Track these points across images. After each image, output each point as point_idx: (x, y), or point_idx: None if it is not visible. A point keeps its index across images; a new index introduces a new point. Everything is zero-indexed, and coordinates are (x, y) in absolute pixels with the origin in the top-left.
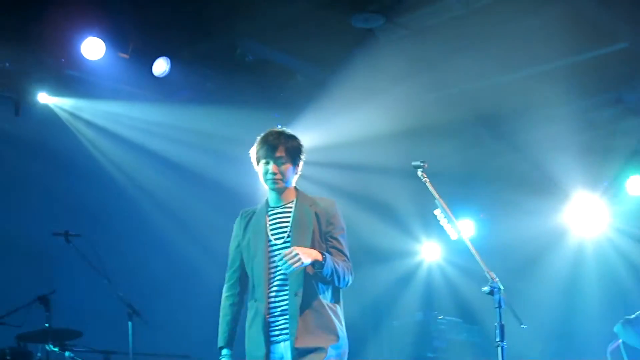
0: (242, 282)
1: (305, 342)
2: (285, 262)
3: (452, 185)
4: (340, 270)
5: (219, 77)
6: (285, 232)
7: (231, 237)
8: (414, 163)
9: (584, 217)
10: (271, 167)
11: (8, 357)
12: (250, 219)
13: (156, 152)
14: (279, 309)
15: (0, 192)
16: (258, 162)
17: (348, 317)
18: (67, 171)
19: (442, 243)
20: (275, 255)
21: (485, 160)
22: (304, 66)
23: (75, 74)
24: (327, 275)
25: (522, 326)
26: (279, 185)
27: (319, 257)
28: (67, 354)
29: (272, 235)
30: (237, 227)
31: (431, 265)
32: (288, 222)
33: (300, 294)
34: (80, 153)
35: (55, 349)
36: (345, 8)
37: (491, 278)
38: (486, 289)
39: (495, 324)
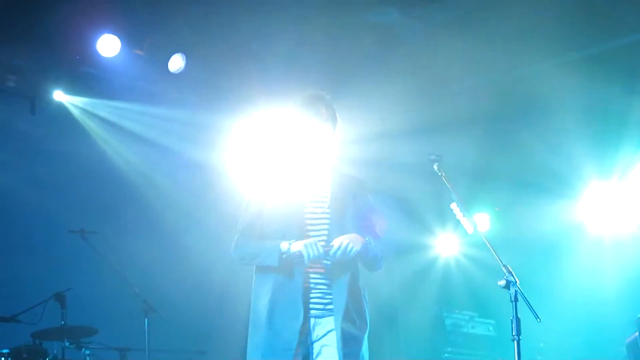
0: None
1: (348, 325)
2: (336, 253)
3: (468, 178)
4: (379, 253)
5: (234, 73)
6: (325, 202)
7: (245, 203)
8: (429, 156)
9: (600, 209)
10: (322, 123)
11: (24, 355)
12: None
13: (171, 150)
14: (320, 283)
15: (16, 190)
16: (304, 124)
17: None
18: (82, 169)
19: (458, 237)
20: (312, 225)
21: (500, 153)
22: (319, 61)
23: (91, 71)
24: (369, 258)
25: (537, 320)
26: (326, 147)
27: (363, 240)
28: (83, 350)
29: (311, 202)
30: (258, 185)
31: (447, 259)
32: (327, 191)
33: (343, 272)
34: (95, 151)
35: (72, 347)
36: (361, 3)
37: (507, 272)
38: (502, 282)
39: (511, 317)
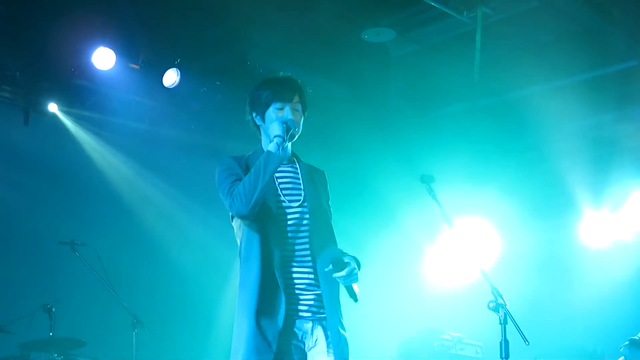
0: None
1: (341, 330)
2: (344, 277)
3: (460, 198)
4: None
5: (229, 88)
6: (300, 195)
7: (218, 172)
8: (421, 177)
9: (594, 231)
10: (289, 112)
11: None
12: (247, 167)
13: (164, 164)
14: (303, 282)
15: (7, 200)
16: (266, 106)
17: (351, 329)
18: (74, 181)
19: (448, 257)
20: (291, 220)
21: (495, 175)
22: (314, 79)
23: (85, 84)
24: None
25: (526, 343)
26: (293, 139)
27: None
28: None
29: (286, 196)
30: (230, 163)
31: (436, 280)
32: (299, 183)
33: (330, 274)
34: (87, 163)
35: (59, 358)
36: (357, 22)
37: (496, 294)
38: (491, 305)
39: (500, 340)
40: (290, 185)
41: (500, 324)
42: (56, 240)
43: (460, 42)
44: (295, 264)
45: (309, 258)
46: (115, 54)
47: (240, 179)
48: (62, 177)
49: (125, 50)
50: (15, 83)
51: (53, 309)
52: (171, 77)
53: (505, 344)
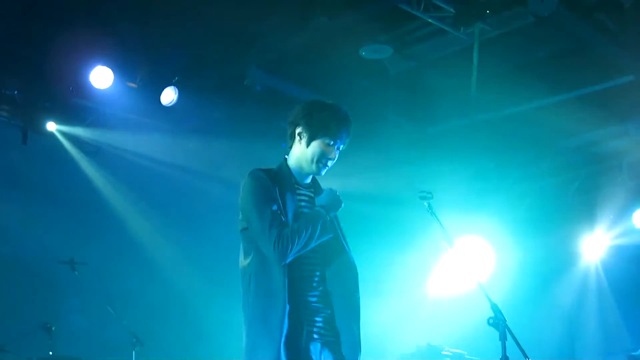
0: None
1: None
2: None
3: (459, 215)
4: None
5: (227, 106)
6: None
7: (255, 192)
8: (419, 194)
9: (589, 247)
10: (334, 153)
11: None
12: (277, 184)
13: (163, 182)
14: (316, 305)
15: (5, 219)
16: (318, 135)
17: None
18: (72, 200)
19: (448, 274)
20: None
21: (491, 192)
22: (312, 96)
23: (84, 103)
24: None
25: (526, 359)
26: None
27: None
28: None
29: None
30: (267, 184)
31: (436, 296)
32: (309, 208)
33: (344, 299)
34: (86, 182)
35: None
36: (354, 39)
37: (496, 310)
38: (491, 321)
39: (500, 357)
40: (306, 209)
41: (500, 339)
42: (56, 259)
43: (457, 59)
44: (309, 288)
45: (319, 281)
46: (113, 72)
47: (280, 213)
48: (60, 196)
49: (123, 68)
50: (13, 102)
51: (53, 328)
52: (169, 96)
53: None
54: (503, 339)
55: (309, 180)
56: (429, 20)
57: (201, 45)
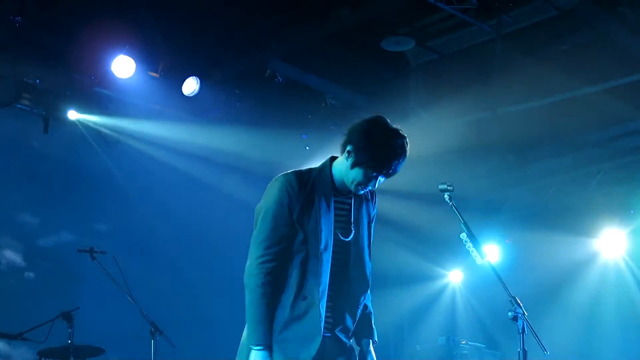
0: (278, 262)
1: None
2: None
3: (479, 209)
4: None
5: (248, 97)
6: (348, 228)
7: (274, 201)
8: (440, 186)
9: (609, 245)
10: (377, 184)
11: None
12: (313, 190)
13: (183, 171)
14: (343, 313)
15: (27, 207)
16: (367, 164)
17: None
18: (93, 188)
19: (467, 268)
20: (337, 252)
21: (512, 185)
22: (333, 88)
23: (105, 92)
24: None
25: (545, 352)
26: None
27: None
28: None
29: (337, 228)
30: (293, 193)
31: (455, 290)
32: (348, 217)
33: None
34: (107, 171)
35: None
36: (376, 31)
37: (515, 304)
38: (510, 314)
39: (518, 349)
40: (341, 217)
41: (519, 333)
42: (75, 247)
43: (479, 51)
44: (335, 296)
45: (330, 283)
46: (135, 62)
47: (285, 239)
48: (81, 185)
49: (145, 58)
50: (35, 91)
51: (72, 317)
52: (191, 86)
53: (523, 354)
54: (522, 332)
55: (346, 189)
56: (452, 12)
57: (223, 36)
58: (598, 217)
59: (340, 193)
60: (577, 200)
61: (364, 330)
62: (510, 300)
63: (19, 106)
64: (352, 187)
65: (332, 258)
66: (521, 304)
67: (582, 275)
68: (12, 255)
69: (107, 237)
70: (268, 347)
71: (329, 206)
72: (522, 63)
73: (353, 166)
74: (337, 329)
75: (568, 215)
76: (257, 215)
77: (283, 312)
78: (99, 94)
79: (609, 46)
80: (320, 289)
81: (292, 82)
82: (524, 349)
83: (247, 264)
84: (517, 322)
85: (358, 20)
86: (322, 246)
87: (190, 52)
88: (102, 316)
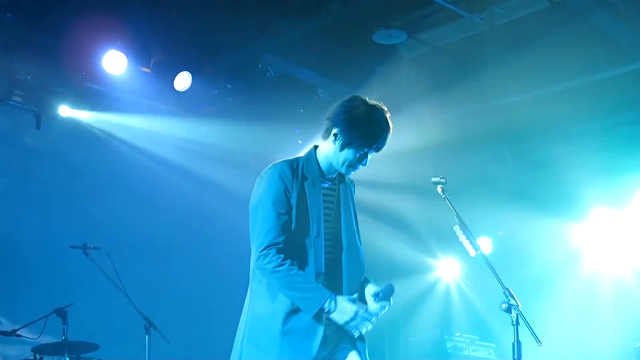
0: (286, 250)
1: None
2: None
3: (471, 201)
4: None
5: (240, 92)
6: (338, 213)
7: (268, 190)
8: (433, 179)
9: (602, 236)
10: (366, 161)
11: None
12: (303, 178)
13: (176, 166)
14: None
15: (19, 203)
16: (356, 143)
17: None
18: (86, 184)
19: (460, 260)
20: (330, 238)
21: (505, 177)
22: (325, 82)
23: (97, 88)
24: None
25: (539, 344)
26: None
27: None
28: None
29: (327, 214)
30: (287, 180)
31: (449, 282)
32: (337, 203)
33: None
34: (99, 167)
35: None
36: (368, 24)
37: (509, 295)
38: (504, 306)
39: (513, 341)
40: (328, 203)
41: (513, 324)
42: (68, 244)
43: (471, 43)
44: (327, 284)
45: (335, 278)
46: (127, 57)
47: (287, 227)
48: (73, 181)
49: (137, 53)
50: (27, 87)
51: (66, 313)
52: (183, 81)
53: (517, 345)
54: (516, 324)
55: (334, 174)
56: (444, 5)
57: (215, 31)
58: (592, 207)
59: (326, 180)
60: (570, 190)
61: None
62: (504, 292)
63: (11, 102)
64: (343, 169)
65: (326, 245)
66: (515, 296)
67: (576, 264)
68: (5, 251)
69: (100, 232)
70: (333, 295)
71: (319, 193)
72: (514, 55)
73: (343, 147)
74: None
75: (562, 205)
76: (256, 208)
77: (285, 303)
78: (90, 90)
79: (601, 37)
80: (317, 276)
81: (284, 76)
82: (518, 340)
83: (256, 257)
84: (510, 313)
85: (349, 13)
86: (315, 233)
87: (182, 47)
88: (96, 312)
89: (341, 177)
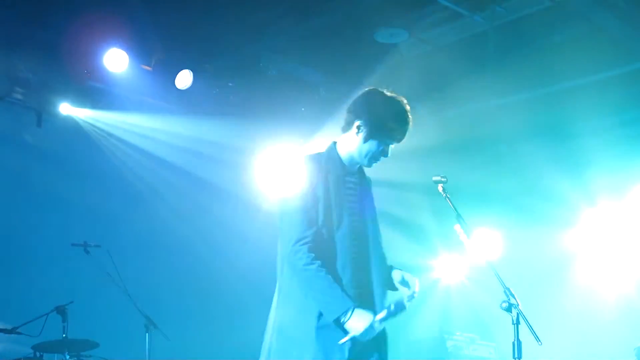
0: (315, 242)
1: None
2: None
3: (472, 200)
4: None
5: (241, 90)
6: (355, 208)
7: (301, 181)
8: (434, 178)
9: (606, 234)
10: (388, 153)
11: None
12: (327, 172)
13: (177, 165)
14: (365, 296)
15: (19, 201)
16: (378, 135)
17: None
18: (87, 182)
19: (460, 259)
20: (356, 231)
21: (506, 177)
22: (327, 80)
23: (98, 86)
24: None
25: (539, 343)
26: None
27: None
28: None
29: (351, 207)
30: (314, 173)
31: (449, 281)
32: (359, 196)
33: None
34: (100, 165)
35: None
36: (369, 23)
37: (509, 294)
38: (504, 305)
39: (513, 340)
40: (350, 195)
41: (513, 324)
42: (69, 241)
43: (473, 43)
44: (355, 277)
45: (363, 273)
46: (128, 55)
47: (315, 220)
48: (74, 179)
49: (138, 51)
50: (28, 85)
51: (66, 311)
52: (184, 79)
53: (518, 344)
54: (516, 323)
55: (356, 167)
56: (445, 4)
57: (216, 29)
58: (593, 206)
59: (349, 172)
60: (571, 190)
61: None
62: (505, 291)
63: (12, 100)
64: (366, 161)
65: (353, 238)
66: (515, 295)
67: (577, 265)
68: (6, 249)
69: (101, 230)
70: (354, 305)
71: (342, 185)
72: (515, 54)
73: (367, 139)
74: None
75: (562, 205)
76: (284, 203)
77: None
78: (92, 88)
79: (602, 37)
80: (343, 269)
81: (285, 75)
82: (518, 339)
83: (288, 251)
84: (511, 312)
85: (351, 12)
86: (341, 226)
87: (183, 45)
88: (97, 310)
89: (361, 172)
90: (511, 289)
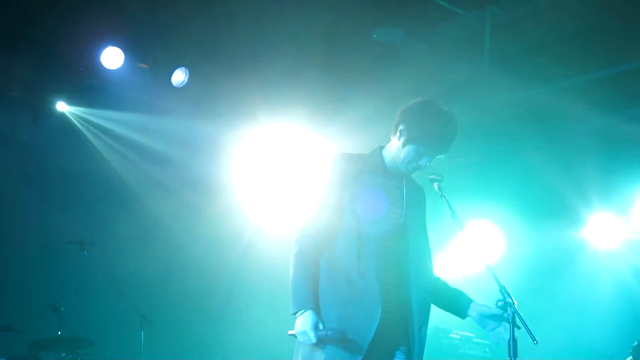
0: (318, 239)
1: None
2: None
3: (469, 198)
4: None
5: (237, 88)
6: (401, 210)
7: (326, 178)
8: (430, 176)
9: (601, 233)
10: (427, 162)
11: None
12: (362, 173)
13: (173, 162)
14: (395, 296)
15: (15, 199)
16: (418, 141)
17: None
18: (82, 180)
19: (456, 256)
20: (392, 235)
21: (503, 175)
22: (324, 79)
23: (94, 83)
24: None
25: (535, 342)
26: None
27: None
28: None
29: (390, 211)
30: (342, 173)
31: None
32: (401, 200)
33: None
34: (96, 162)
35: (67, 357)
36: (366, 21)
37: (504, 293)
38: (500, 304)
39: (508, 339)
40: (393, 198)
41: (508, 323)
42: (65, 239)
43: (469, 42)
44: (390, 277)
45: (395, 261)
46: (124, 53)
47: (332, 218)
48: (70, 176)
49: (134, 49)
50: (23, 82)
51: (62, 308)
52: (179, 77)
53: (513, 343)
54: (512, 322)
55: (401, 173)
56: (441, 3)
57: (212, 26)
58: (590, 205)
59: (392, 175)
60: (568, 189)
61: None
62: (500, 290)
63: (8, 97)
64: (404, 166)
65: (388, 239)
66: (511, 293)
67: (573, 264)
68: (0, 247)
69: (97, 228)
70: (310, 308)
71: (380, 187)
72: (511, 53)
73: (405, 144)
74: (400, 313)
75: (559, 203)
76: (307, 194)
77: (341, 291)
78: (88, 86)
79: (599, 36)
80: (375, 268)
81: (282, 73)
82: (513, 338)
83: (297, 237)
84: (506, 311)
85: (347, 11)
86: (375, 226)
87: (179, 43)
88: (92, 308)
89: (410, 179)
90: (507, 288)
